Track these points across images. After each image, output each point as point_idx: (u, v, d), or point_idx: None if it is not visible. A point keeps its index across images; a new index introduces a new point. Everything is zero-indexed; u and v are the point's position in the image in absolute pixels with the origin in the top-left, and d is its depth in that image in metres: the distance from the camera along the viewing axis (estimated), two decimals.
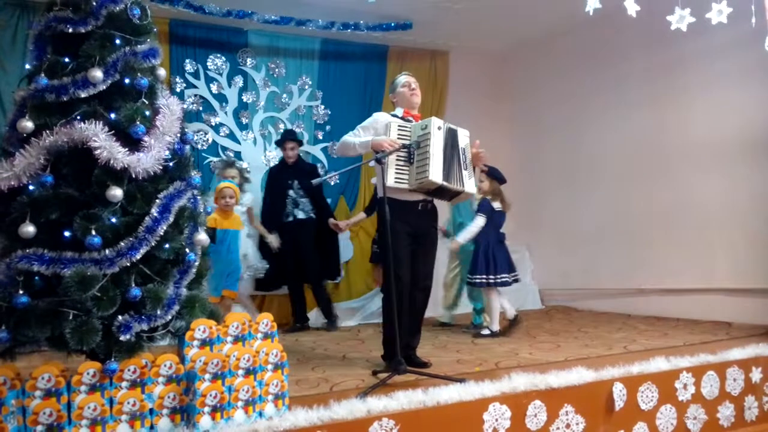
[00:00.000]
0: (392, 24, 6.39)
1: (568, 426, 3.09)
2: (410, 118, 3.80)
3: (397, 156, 3.56)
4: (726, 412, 3.57)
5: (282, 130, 6.53)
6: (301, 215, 5.64)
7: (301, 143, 6.00)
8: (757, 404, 3.69)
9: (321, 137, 6.70)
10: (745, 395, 3.65)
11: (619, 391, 3.20)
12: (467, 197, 3.70)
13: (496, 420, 2.91)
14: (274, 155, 6.47)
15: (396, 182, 3.50)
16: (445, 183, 3.51)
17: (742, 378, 3.64)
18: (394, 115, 3.82)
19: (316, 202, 5.77)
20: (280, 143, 5.87)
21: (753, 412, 3.67)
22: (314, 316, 5.93)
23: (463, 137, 3.71)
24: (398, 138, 3.59)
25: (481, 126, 7.19)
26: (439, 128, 3.56)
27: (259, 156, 6.46)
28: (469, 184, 3.66)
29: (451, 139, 3.62)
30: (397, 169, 3.55)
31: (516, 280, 5.05)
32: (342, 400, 2.71)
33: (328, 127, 6.74)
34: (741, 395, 3.63)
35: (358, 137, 3.76)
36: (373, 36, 6.45)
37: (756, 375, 3.69)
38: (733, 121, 5.25)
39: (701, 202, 5.48)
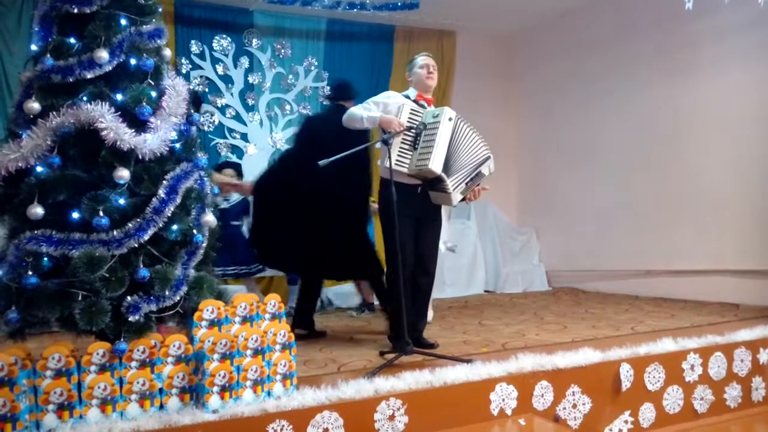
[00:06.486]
0: (399, 3, 6.30)
1: (574, 406, 3.11)
2: (423, 103, 3.72)
3: (402, 139, 3.52)
4: (733, 393, 3.57)
5: (288, 112, 6.51)
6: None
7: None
8: (764, 385, 3.69)
9: None
10: (752, 376, 3.65)
11: (626, 372, 3.21)
12: (448, 202, 3.62)
13: (503, 400, 2.93)
14: (281, 137, 6.47)
15: (396, 165, 3.46)
16: (443, 175, 3.46)
17: (750, 359, 3.64)
18: (407, 96, 3.75)
19: None
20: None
21: (760, 393, 3.68)
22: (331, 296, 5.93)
23: (486, 168, 3.60)
24: (408, 122, 3.54)
25: (488, 107, 7.20)
26: (450, 119, 3.48)
27: (266, 137, 6.45)
28: (456, 196, 3.56)
29: (482, 160, 3.54)
30: (400, 152, 3.51)
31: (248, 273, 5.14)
32: (349, 380, 2.74)
33: None
34: (748, 376, 3.63)
35: (368, 110, 3.67)
36: (379, 16, 6.37)
37: (764, 356, 3.69)
38: (743, 102, 5.18)
39: (710, 183, 5.44)
